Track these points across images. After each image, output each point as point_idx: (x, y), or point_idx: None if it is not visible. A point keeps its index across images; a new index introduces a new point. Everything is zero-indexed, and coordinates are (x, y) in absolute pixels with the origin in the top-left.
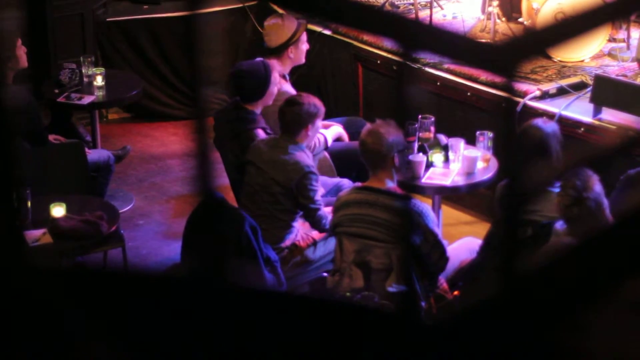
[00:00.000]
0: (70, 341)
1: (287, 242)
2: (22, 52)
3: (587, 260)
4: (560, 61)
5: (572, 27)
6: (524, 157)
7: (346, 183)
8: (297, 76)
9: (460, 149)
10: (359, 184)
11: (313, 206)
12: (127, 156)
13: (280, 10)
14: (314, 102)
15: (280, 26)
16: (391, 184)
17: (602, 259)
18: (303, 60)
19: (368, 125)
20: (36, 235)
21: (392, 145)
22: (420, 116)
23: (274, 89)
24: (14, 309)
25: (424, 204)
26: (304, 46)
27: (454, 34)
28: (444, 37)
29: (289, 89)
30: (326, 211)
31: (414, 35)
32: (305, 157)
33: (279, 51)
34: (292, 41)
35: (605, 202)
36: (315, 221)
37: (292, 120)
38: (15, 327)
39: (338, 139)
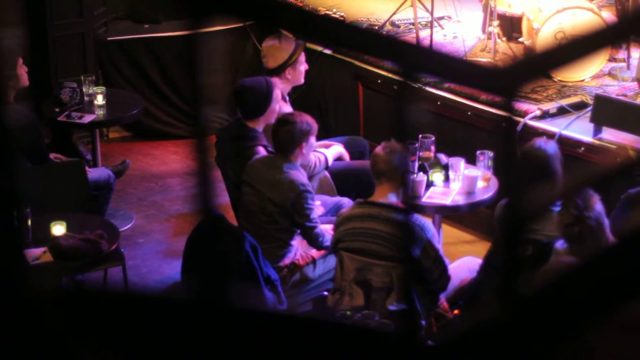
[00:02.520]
0: None
1: (286, 261)
2: (23, 71)
3: (588, 281)
4: (561, 81)
5: (573, 50)
6: (527, 178)
7: (346, 202)
8: (297, 95)
9: (460, 168)
10: (360, 200)
11: (309, 224)
12: (127, 170)
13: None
14: (307, 120)
15: (278, 47)
16: (394, 199)
17: (602, 280)
18: (302, 81)
19: (384, 142)
20: (36, 253)
21: (403, 162)
22: (420, 135)
23: (275, 107)
24: (14, 328)
25: (425, 219)
26: (303, 67)
27: (455, 58)
28: (445, 60)
29: (289, 110)
30: (324, 229)
31: (415, 59)
32: (300, 176)
33: (276, 72)
34: (289, 63)
35: (606, 221)
36: (312, 239)
37: (286, 140)
38: (15, 346)
39: (339, 159)
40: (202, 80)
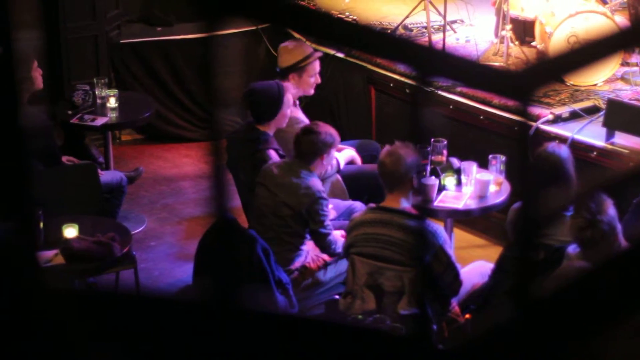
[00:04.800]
0: None
1: (297, 265)
2: (37, 73)
3: (600, 285)
4: (573, 85)
5: (588, 53)
6: (541, 182)
7: (358, 206)
8: (310, 99)
9: (472, 172)
10: (372, 205)
11: (324, 231)
12: (139, 178)
13: (297, 35)
14: (331, 132)
15: (287, 50)
16: (406, 205)
17: (614, 284)
18: (309, 92)
19: (387, 147)
20: (48, 256)
21: (411, 167)
22: (433, 139)
23: (286, 111)
24: (27, 329)
25: (438, 225)
26: (311, 79)
27: (470, 61)
28: (460, 64)
29: (299, 115)
30: (336, 236)
31: (429, 62)
32: (317, 183)
33: (282, 75)
34: (294, 68)
35: (619, 226)
36: (325, 246)
37: (308, 149)
38: (28, 348)
39: (350, 162)
40: (217, 83)
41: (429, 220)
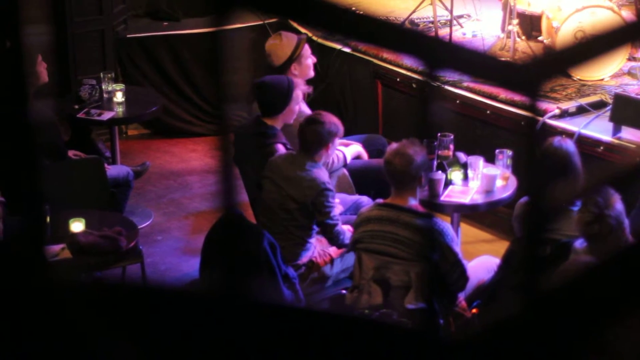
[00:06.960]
0: (88, 357)
1: (304, 259)
2: (42, 68)
3: (607, 280)
4: (580, 80)
5: (595, 47)
6: (547, 176)
7: (365, 201)
8: (316, 93)
9: (479, 167)
10: (380, 200)
11: (330, 222)
12: (146, 172)
13: (302, 29)
14: (335, 122)
15: (280, 45)
16: (413, 202)
17: (622, 279)
18: (311, 74)
19: (394, 145)
20: (55, 250)
21: (420, 166)
22: (439, 134)
23: (295, 107)
24: (33, 324)
25: (445, 223)
26: (309, 60)
27: (479, 53)
28: (469, 56)
29: (305, 109)
30: (344, 227)
31: (439, 53)
32: (322, 174)
33: (282, 69)
34: (293, 58)
35: (626, 221)
36: (332, 237)
37: (313, 139)
38: (34, 342)
39: (357, 157)
40: (225, 78)
41: (436, 218)
